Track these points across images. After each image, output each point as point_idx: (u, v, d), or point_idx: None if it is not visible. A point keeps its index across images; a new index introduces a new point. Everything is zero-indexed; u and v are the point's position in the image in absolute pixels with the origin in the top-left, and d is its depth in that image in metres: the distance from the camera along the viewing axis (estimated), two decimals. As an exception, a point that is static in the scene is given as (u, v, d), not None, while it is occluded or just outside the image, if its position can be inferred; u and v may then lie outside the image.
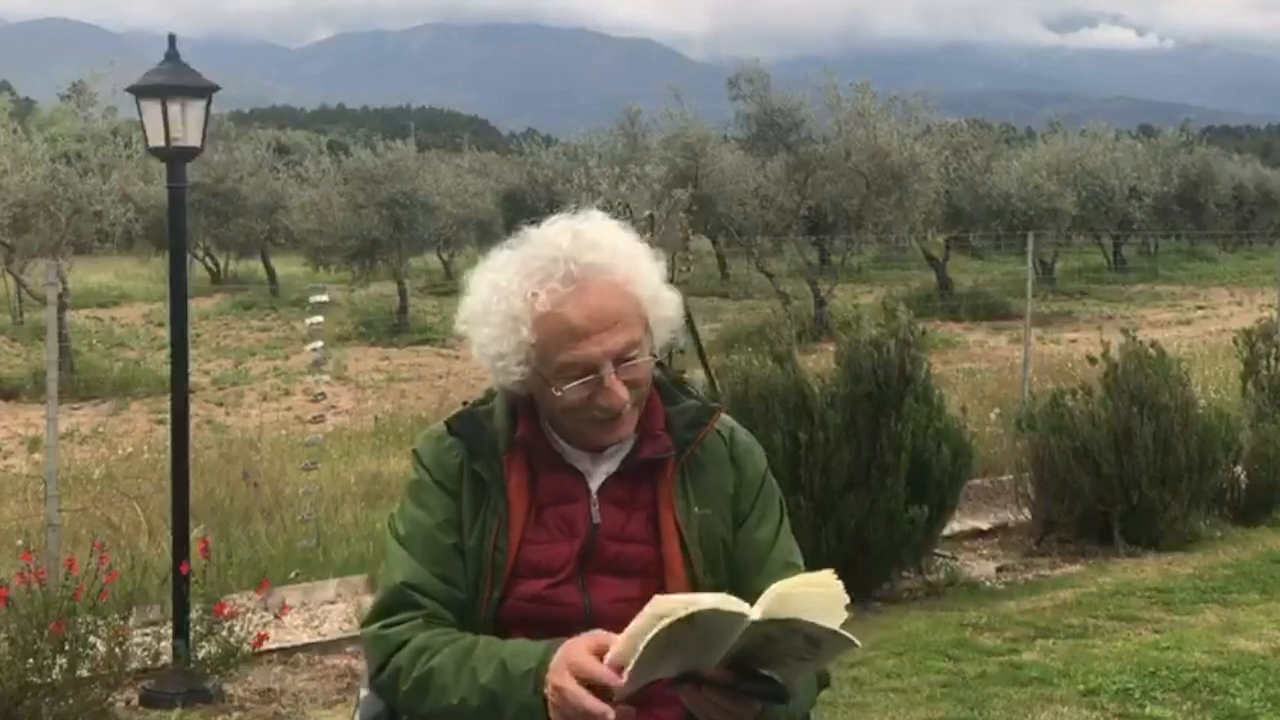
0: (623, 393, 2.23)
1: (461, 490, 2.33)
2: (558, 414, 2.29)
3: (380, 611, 2.32)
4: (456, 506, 2.33)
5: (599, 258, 2.23)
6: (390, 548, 2.39)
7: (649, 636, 1.92)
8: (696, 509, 2.33)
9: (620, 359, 2.23)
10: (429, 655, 2.23)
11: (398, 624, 2.29)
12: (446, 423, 2.38)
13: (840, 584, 2.00)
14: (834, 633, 1.97)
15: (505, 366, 2.26)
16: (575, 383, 2.22)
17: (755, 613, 1.95)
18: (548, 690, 2.06)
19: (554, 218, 2.32)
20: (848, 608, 2.00)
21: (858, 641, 2.01)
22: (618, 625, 2.01)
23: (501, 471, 2.31)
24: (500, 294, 2.25)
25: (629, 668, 1.95)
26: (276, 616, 6.42)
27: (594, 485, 2.33)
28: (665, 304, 2.32)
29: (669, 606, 1.93)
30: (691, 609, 1.92)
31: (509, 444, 2.32)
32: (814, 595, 1.98)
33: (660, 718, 2.20)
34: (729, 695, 2.05)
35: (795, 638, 1.99)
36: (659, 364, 2.38)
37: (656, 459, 2.33)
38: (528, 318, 2.22)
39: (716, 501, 2.36)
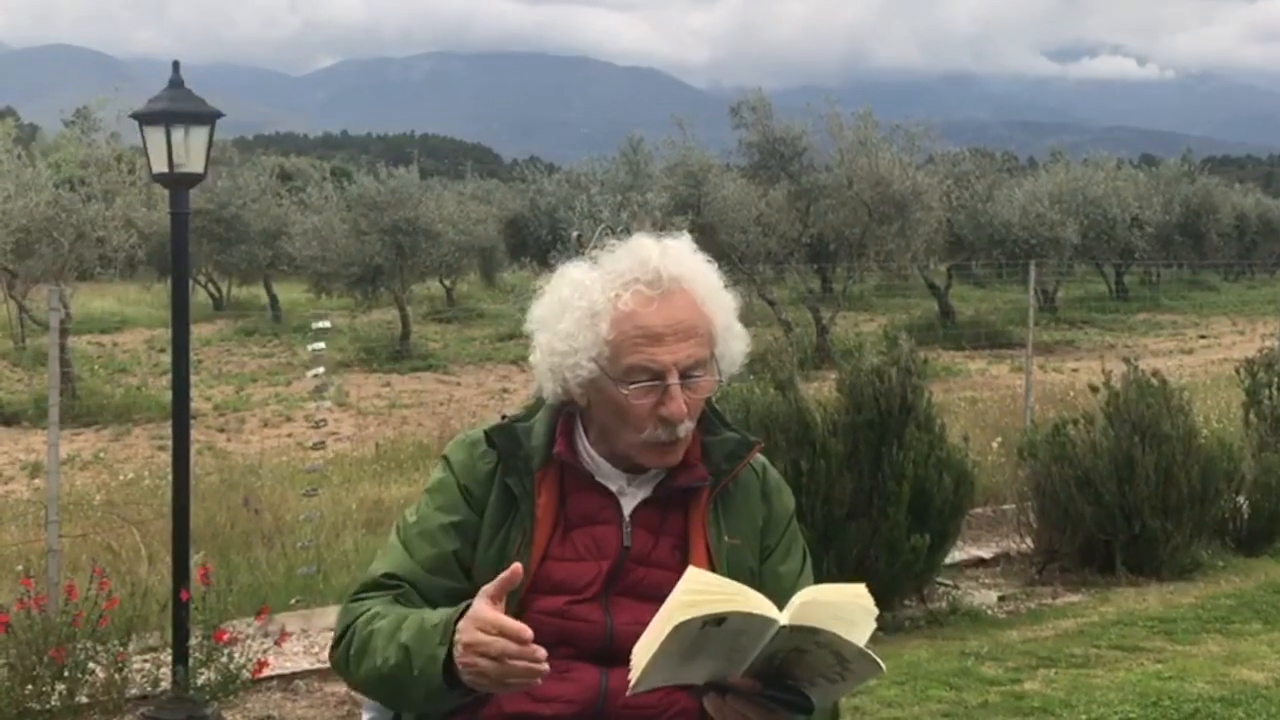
0: (684, 406, 2.27)
1: (488, 499, 2.36)
2: (618, 427, 2.32)
3: (355, 590, 2.40)
4: (474, 515, 2.36)
5: (684, 272, 2.31)
6: (389, 540, 2.44)
7: (675, 622, 1.91)
8: (726, 539, 2.36)
9: (686, 373, 2.28)
10: (377, 620, 2.28)
11: (367, 598, 2.36)
12: (486, 432, 2.41)
13: (870, 598, 2.01)
14: (862, 652, 1.98)
15: (576, 362, 2.29)
16: (641, 385, 2.26)
17: (784, 617, 1.95)
18: (458, 654, 2.10)
19: (638, 235, 2.38)
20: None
21: (883, 666, 2.01)
22: None
23: (533, 488, 2.34)
24: (582, 291, 2.31)
25: (651, 652, 1.94)
26: (276, 643, 6.40)
27: (628, 508, 2.35)
28: (735, 338, 2.37)
29: (700, 594, 1.94)
30: (724, 609, 1.92)
31: (544, 461, 2.35)
32: (844, 605, 2.00)
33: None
34: (754, 704, 2.06)
35: (825, 654, 1.99)
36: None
37: (690, 487, 2.36)
38: (608, 315, 2.27)
39: (745, 533, 2.40)
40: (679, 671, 2.01)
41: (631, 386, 2.27)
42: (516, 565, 2.13)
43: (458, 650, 2.10)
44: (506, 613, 2.28)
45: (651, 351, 2.26)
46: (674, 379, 2.27)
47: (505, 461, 2.36)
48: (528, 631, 2.06)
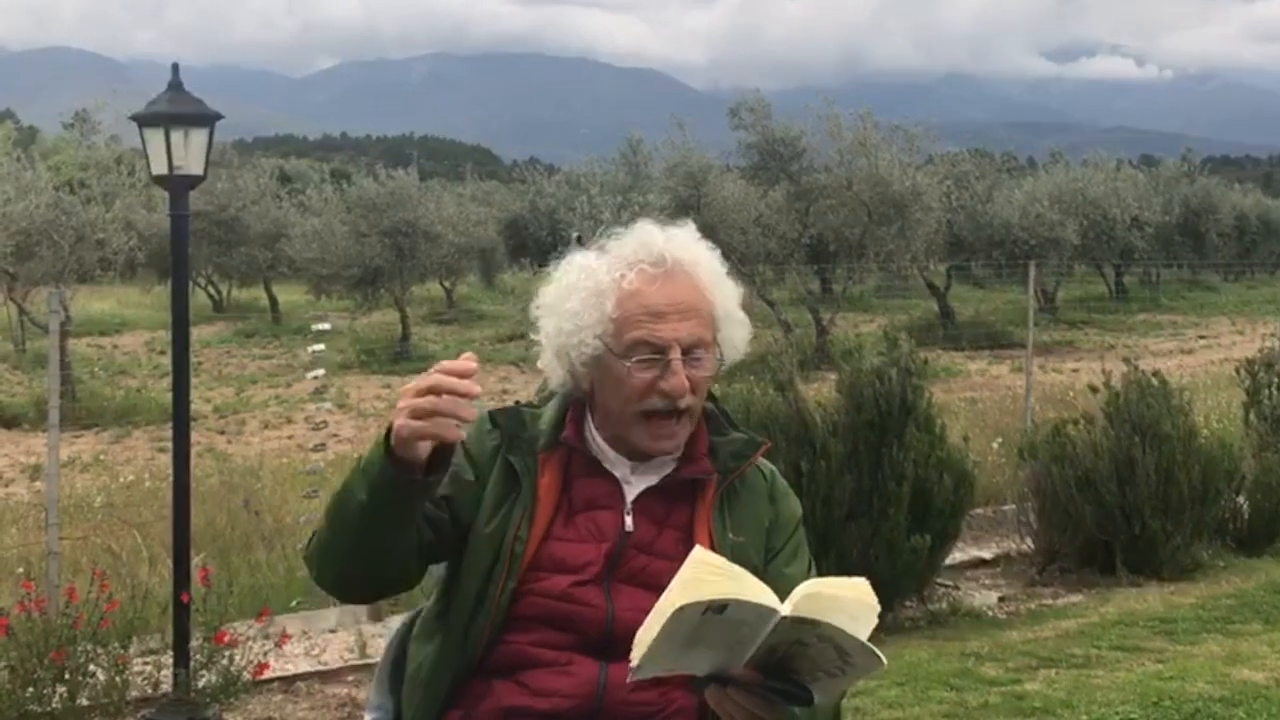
0: (685, 380, 2.32)
1: (490, 473, 2.39)
2: (620, 404, 2.35)
3: None
4: (474, 476, 2.39)
5: (687, 256, 2.38)
6: None
7: (679, 604, 1.92)
8: (731, 535, 2.39)
9: (688, 350, 2.33)
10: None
11: None
12: (490, 413, 2.45)
13: (873, 594, 2.02)
14: (863, 646, 1.98)
15: (581, 340, 2.35)
16: (643, 359, 2.32)
17: (786, 608, 1.96)
18: (395, 420, 2.15)
19: (643, 221, 2.44)
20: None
21: (884, 660, 2.01)
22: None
23: (535, 467, 2.38)
24: (588, 273, 2.37)
25: (654, 634, 1.95)
26: (277, 645, 6.39)
27: (630, 495, 2.39)
28: (736, 325, 2.43)
29: (704, 573, 1.95)
30: (728, 594, 1.93)
31: (550, 444, 2.40)
32: (846, 600, 2.00)
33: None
34: (754, 696, 2.06)
35: (826, 647, 2.00)
36: (710, 396, 2.46)
37: (697, 480, 2.40)
38: (613, 294, 2.34)
39: (751, 532, 2.43)
40: (680, 661, 2.02)
41: (634, 360, 2.32)
42: (469, 355, 2.20)
43: (396, 421, 2.15)
44: (505, 590, 2.31)
45: (654, 327, 2.32)
46: (675, 354, 2.32)
47: (509, 441, 2.41)
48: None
